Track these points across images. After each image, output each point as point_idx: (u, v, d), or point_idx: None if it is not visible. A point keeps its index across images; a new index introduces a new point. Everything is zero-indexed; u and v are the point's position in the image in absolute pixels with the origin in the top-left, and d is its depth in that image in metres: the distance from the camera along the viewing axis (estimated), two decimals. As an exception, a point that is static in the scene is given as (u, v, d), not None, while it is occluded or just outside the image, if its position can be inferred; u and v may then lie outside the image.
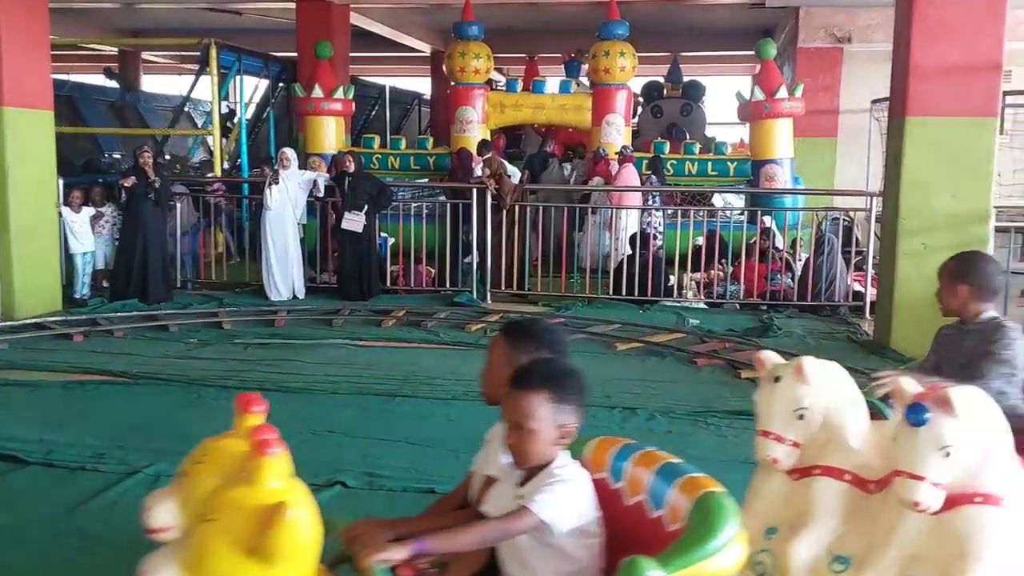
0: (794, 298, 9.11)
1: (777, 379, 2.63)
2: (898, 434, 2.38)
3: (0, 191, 8.09)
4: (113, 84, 20.48)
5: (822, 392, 2.59)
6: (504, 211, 9.57)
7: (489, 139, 11.79)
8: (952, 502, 2.32)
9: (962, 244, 6.93)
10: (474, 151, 11.22)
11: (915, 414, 2.32)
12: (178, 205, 10.04)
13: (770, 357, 2.73)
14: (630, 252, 9.53)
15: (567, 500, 2.11)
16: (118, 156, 15.72)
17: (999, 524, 2.31)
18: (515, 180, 10.42)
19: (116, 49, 22.26)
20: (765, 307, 9.05)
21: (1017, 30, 13.53)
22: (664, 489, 2.16)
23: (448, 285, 9.69)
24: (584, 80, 13.82)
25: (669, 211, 10.54)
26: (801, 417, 2.58)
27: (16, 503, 4.16)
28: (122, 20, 19.42)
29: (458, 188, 10.25)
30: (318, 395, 5.90)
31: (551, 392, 2.14)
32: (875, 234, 8.80)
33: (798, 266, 9.45)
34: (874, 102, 13.04)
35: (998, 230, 7.38)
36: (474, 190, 9.59)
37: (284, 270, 9.41)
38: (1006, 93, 12.60)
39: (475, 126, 11.98)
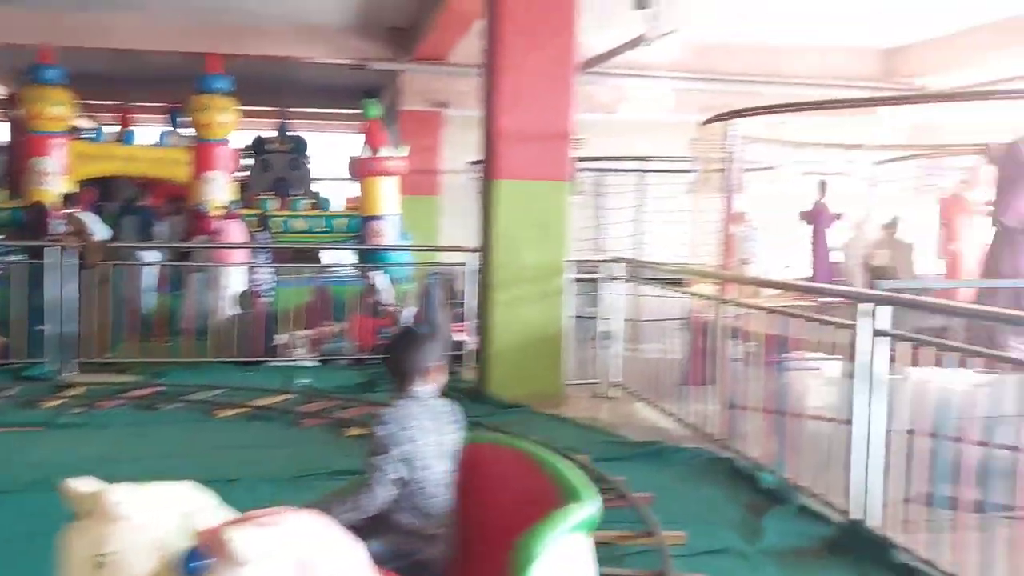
0: (401, 351, 9.34)
1: (82, 515, 1.98)
2: None
3: None
4: None
5: (145, 528, 1.95)
6: (90, 271, 8.72)
7: (76, 192, 10.78)
8: None
9: (545, 294, 7.66)
10: (59, 204, 10.18)
11: (186, 564, 1.81)
12: None
13: (74, 487, 2.02)
14: (239, 311, 9.20)
15: None
16: None
17: None
18: (101, 237, 9.57)
19: None
20: (374, 361, 9.18)
21: (590, 102, 15.43)
22: None
23: (26, 356, 8.53)
24: (184, 132, 13.24)
25: (277, 268, 10.36)
26: (102, 566, 1.91)
27: None
28: None
29: (35, 247, 9.15)
30: None
31: None
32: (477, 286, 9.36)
33: (405, 319, 9.75)
34: (471, 163, 14.03)
35: (576, 280, 8.20)
36: (51, 249, 8.60)
37: None
38: (579, 159, 14.28)
39: (54, 178, 10.87)
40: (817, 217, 8.83)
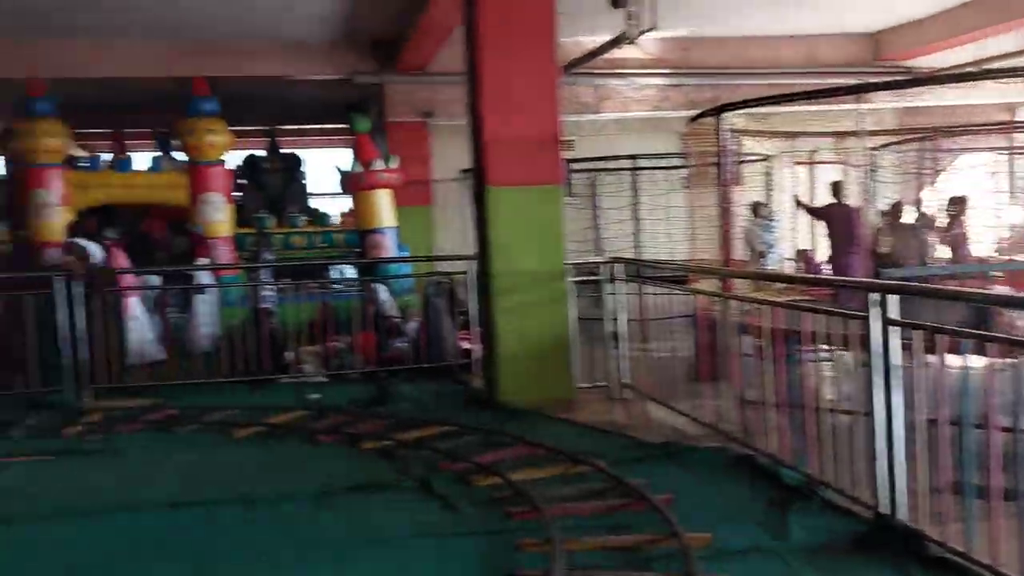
0: (409, 362, 9.41)
1: None
2: None
3: None
4: None
5: None
6: (96, 298, 8.76)
7: (77, 221, 10.80)
8: None
9: (548, 300, 7.71)
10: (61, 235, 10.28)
11: None
12: None
13: None
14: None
15: None
16: None
17: None
18: (101, 263, 9.58)
19: None
20: (383, 374, 9.22)
21: (575, 103, 15.47)
22: None
23: (39, 385, 8.55)
24: (177, 156, 13.23)
25: (281, 286, 10.38)
26: None
27: None
28: None
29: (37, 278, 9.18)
30: None
31: None
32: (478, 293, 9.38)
33: (410, 331, 9.79)
34: (462, 172, 14.06)
35: (579, 282, 8.23)
36: (57, 278, 8.65)
37: None
38: (569, 161, 14.33)
39: (54, 209, 10.89)
40: (840, 216, 8.61)
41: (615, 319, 7.86)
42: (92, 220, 11.45)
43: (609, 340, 7.92)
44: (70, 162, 11.86)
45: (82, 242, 9.66)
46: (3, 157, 19.93)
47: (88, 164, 12.48)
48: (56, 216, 10.88)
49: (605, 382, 7.95)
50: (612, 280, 7.95)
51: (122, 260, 10.03)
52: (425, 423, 6.98)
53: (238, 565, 4.39)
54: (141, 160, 12.33)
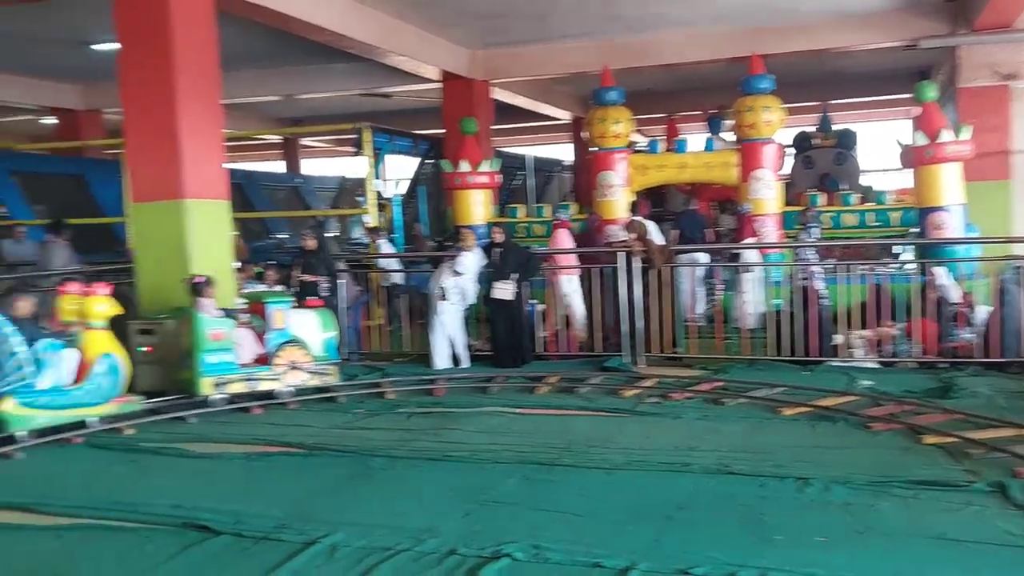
0: (976, 355, 8.44)
1: None
2: None
3: (186, 275, 8.17)
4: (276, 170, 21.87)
5: None
6: (653, 273, 9.40)
7: (636, 201, 11.73)
8: None
9: None
10: (624, 214, 11.27)
11: None
12: (341, 281, 10.35)
13: None
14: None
15: None
16: (284, 236, 16.53)
17: None
18: (658, 241, 10.25)
19: (280, 137, 23.86)
20: (944, 365, 8.42)
21: None
22: None
23: (600, 349, 9.53)
24: (726, 136, 13.63)
25: (829, 266, 10.06)
26: None
27: (209, 573, 4.23)
28: (283, 111, 20.84)
29: (602, 253, 10.18)
30: (481, 464, 5.86)
31: None
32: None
33: (977, 320, 8.78)
34: (1051, 140, 12.18)
35: None
36: (620, 254, 9.49)
37: (449, 340, 9.57)
38: None
39: (617, 190, 11.94)
40: None
41: None
42: (645, 200, 12.34)
43: None
44: (631, 146, 12.89)
45: (643, 221, 10.40)
46: (572, 144, 22.72)
47: (646, 147, 13.44)
48: (619, 196, 11.92)
49: None
50: None
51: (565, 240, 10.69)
52: (999, 423, 6.21)
53: (789, 538, 4.33)
54: (693, 142, 12.88)
